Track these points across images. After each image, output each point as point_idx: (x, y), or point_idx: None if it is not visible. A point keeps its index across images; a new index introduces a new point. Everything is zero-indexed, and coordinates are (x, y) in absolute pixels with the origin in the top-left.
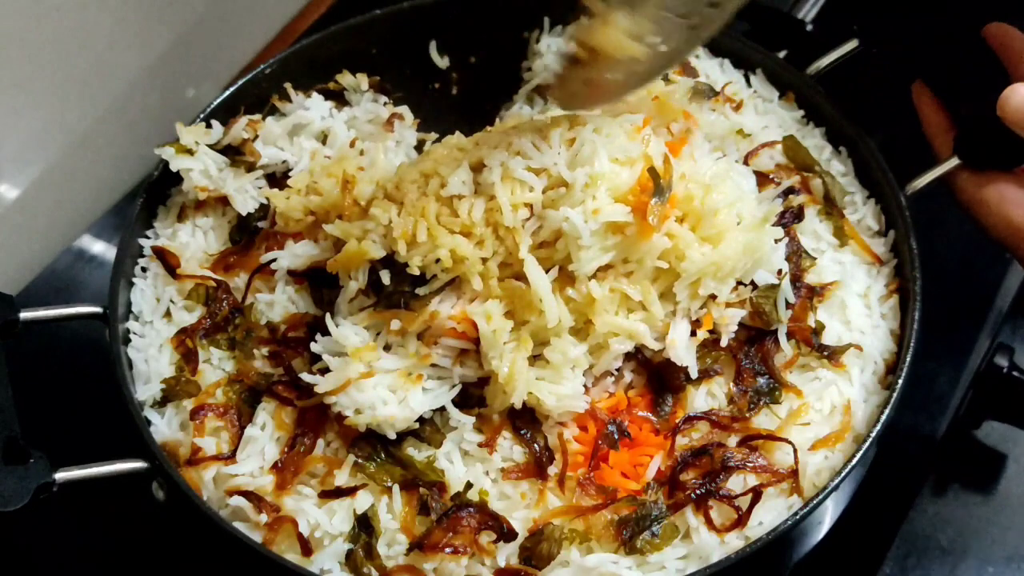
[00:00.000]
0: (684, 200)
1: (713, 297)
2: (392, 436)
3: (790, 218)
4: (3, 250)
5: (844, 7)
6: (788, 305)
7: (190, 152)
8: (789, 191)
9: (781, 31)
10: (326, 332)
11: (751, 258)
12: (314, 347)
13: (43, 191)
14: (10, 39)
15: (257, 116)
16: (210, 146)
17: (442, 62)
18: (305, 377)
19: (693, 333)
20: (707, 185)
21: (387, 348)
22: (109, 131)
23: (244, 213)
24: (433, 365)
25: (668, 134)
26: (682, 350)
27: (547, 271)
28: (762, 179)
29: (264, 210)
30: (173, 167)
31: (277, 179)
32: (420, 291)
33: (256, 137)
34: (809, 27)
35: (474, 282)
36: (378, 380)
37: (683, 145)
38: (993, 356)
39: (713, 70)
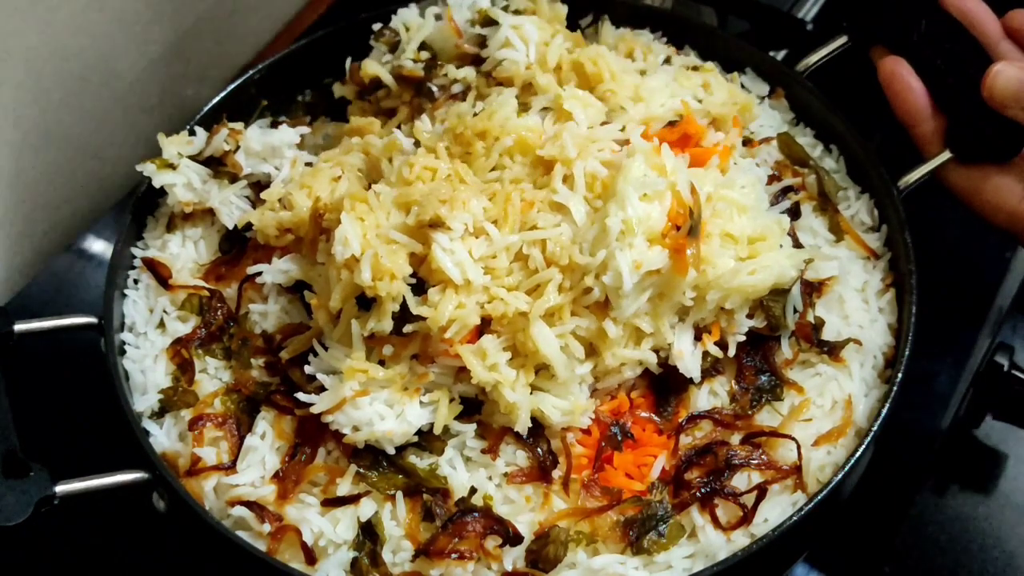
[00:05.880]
0: (714, 216)
1: (723, 308)
2: (391, 451)
3: (788, 216)
4: (2, 250)
5: (841, 5)
6: (795, 311)
7: (172, 167)
8: (787, 189)
9: (781, 30)
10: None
11: (779, 284)
12: (308, 369)
13: (44, 191)
14: (9, 38)
15: (239, 125)
16: (192, 157)
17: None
18: (301, 397)
19: (698, 337)
20: (741, 205)
21: (381, 363)
22: (108, 131)
23: (230, 226)
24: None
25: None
26: (688, 359)
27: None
28: None
29: None
30: (156, 183)
31: (263, 187)
32: (407, 328)
33: (237, 148)
34: (809, 26)
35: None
36: (374, 396)
37: (710, 156)
38: (993, 355)
39: None
